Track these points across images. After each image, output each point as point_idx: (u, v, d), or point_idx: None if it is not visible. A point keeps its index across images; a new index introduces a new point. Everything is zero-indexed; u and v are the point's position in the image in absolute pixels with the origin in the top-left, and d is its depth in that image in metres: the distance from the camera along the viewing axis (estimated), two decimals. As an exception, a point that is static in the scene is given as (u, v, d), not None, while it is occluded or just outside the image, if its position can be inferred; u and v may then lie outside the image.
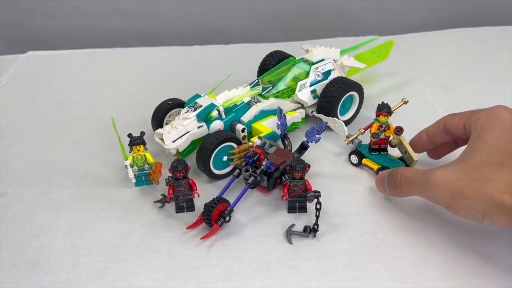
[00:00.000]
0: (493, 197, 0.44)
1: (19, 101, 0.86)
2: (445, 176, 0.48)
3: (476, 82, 0.88)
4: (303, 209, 0.57)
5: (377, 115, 0.62)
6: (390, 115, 0.62)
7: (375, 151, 0.64)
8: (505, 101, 0.79)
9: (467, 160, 0.48)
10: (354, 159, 0.65)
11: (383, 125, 0.62)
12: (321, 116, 0.71)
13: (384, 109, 0.61)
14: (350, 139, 0.65)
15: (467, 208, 0.46)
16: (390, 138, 0.63)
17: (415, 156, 0.59)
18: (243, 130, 0.65)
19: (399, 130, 0.60)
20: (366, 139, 0.65)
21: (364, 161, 0.64)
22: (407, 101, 0.64)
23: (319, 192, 0.54)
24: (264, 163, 0.56)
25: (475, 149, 0.48)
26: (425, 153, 0.63)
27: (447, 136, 0.58)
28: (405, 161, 0.62)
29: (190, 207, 0.58)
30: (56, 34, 1.21)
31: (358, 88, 0.73)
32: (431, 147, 0.61)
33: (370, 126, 0.64)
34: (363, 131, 0.65)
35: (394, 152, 0.64)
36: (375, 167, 0.63)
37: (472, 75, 0.91)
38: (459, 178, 0.46)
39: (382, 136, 0.63)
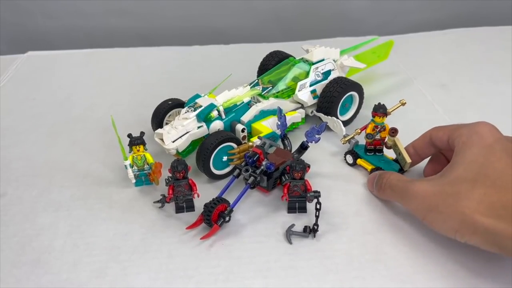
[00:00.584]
0: (464, 215, 0.44)
1: (19, 101, 0.86)
2: (423, 189, 0.49)
3: (476, 82, 0.88)
4: (303, 209, 0.57)
5: (373, 116, 0.62)
6: (386, 116, 0.62)
7: (371, 152, 0.64)
8: (505, 101, 0.80)
9: (446, 175, 0.48)
10: (350, 159, 0.65)
11: (379, 126, 0.62)
12: (321, 115, 0.71)
13: (380, 110, 0.61)
14: (347, 138, 0.65)
15: (441, 223, 0.47)
16: (386, 139, 0.63)
17: (408, 158, 0.59)
18: (243, 130, 0.65)
19: (393, 132, 0.60)
20: (363, 139, 0.65)
21: (359, 161, 0.64)
22: (405, 103, 0.64)
23: (319, 192, 0.54)
24: (264, 163, 0.56)
25: (454, 164, 0.49)
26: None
27: (432, 149, 0.58)
28: (399, 162, 0.62)
29: (190, 207, 0.58)
30: (56, 34, 1.21)
31: (358, 88, 0.73)
32: (418, 160, 0.61)
33: (366, 126, 0.64)
34: (359, 131, 0.65)
35: (391, 153, 0.64)
36: (369, 167, 0.62)
37: (472, 75, 0.91)
38: (436, 192, 0.47)
39: (377, 137, 0.63)
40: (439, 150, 0.58)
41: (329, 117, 0.70)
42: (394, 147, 0.61)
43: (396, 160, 0.63)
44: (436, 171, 0.56)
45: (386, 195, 0.56)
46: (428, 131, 0.58)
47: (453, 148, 0.52)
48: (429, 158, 0.61)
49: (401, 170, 0.61)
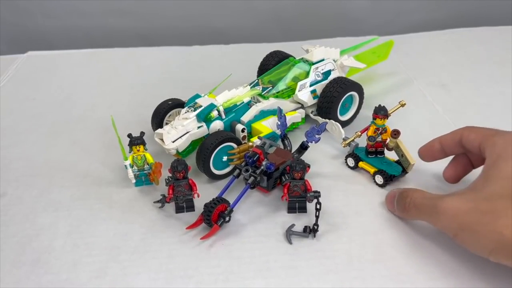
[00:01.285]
0: (502, 234, 0.41)
1: (19, 101, 0.86)
2: (454, 206, 0.45)
3: (476, 82, 0.88)
4: (303, 209, 0.57)
5: (374, 118, 0.62)
6: (387, 118, 0.62)
7: (372, 154, 0.63)
8: (505, 101, 0.80)
9: (479, 190, 0.45)
10: (351, 162, 0.65)
11: (380, 128, 0.62)
12: (317, 118, 0.71)
13: (380, 112, 0.61)
14: (347, 141, 0.65)
15: (474, 243, 0.44)
16: (387, 141, 0.62)
17: (411, 159, 0.59)
18: (243, 130, 0.65)
19: (396, 133, 0.60)
20: (363, 142, 0.65)
21: (361, 164, 0.64)
22: (405, 104, 0.64)
23: (319, 192, 0.54)
24: (264, 163, 0.56)
25: (489, 179, 0.45)
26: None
27: (460, 149, 0.55)
28: (402, 164, 0.62)
29: (190, 207, 0.58)
30: (56, 34, 1.21)
31: (358, 88, 0.73)
32: (442, 156, 0.57)
33: (367, 129, 0.63)
34: (360, 134, 0.64)
35: (391, 155, 0.64)
36: (372, 170, 0.62)
37: (472, 75, 0.91)
38: (469, 210, 0.44)
39: (379, 139, 0.62)
40: (466, 151, 0.55)
41: (327, 120, 0.70)
42: (397, 148, 0.61)
43: (398, 162, 0.62)
44: (458, 174, 0.54)
45: (411, 215, 0.52)
46: (459, 130, 0.54)
47: (483, 155, 0.49)
48: (448, 158, 0.58)
49: (404, 172, 0.61)
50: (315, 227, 0.53)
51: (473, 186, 0.47)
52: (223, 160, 0.62)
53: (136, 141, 0.60)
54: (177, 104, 0.69)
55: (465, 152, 0.55)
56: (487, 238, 0.42)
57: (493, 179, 0.45)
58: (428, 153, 0.59)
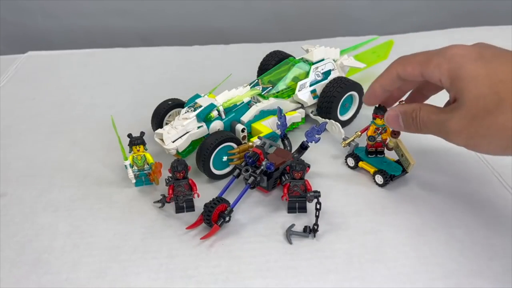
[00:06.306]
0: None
1: (19, 101, 0.86)
2: (459, 126, 0.45)
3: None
4: (303, 209, 0.57)
5: (374, 118, 0.62)
6: None
7: (372, 154, 0.63)
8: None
9: (464, 104, 0.45)
10: (351, 162, 0.65)
11: (380, 128, 0.62)
12: (317, 118, 0.72)
13: (380, 112, 0.61)
14: (347, 141, 0.65)
15: (487, 145, 0.45)
16: (387, 141, 0.62)
17: (411, 159, 0.59)
18: (243, 130, 0.65)
19: (396, 133, 0.60)
20: (363, 142, 0.65)
21: (361, 164, 0.64)
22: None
23: (319, 192, 0.54)
24: (264, 163, 0.56)
25: (462, 91, 0.45)
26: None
27: (400, 82, 0.54)
28: (402, 164, 0.62)
29: (190, 207, 0.58)
30: (56, 34, 1.21)
31: (358, 88, 0.73)
32: (387, 95, 0.57)
33: (366, 128, 0.63)
34: (360, 133, 0.64)
35: (391, 155, 0.64)
36: (372, 170, 0.62)
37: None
38: (469, 124, 0.44)
39: (379, 139, 0.62)
40: (407, 82, 0.54)
41: (327, 120, 0.70)
42: (396, 148, 0.61)
43: (398, 162, 0.62)
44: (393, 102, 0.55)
45: (421, 132, 0.51)
46: (393, 68, 0.53)
47: (429, 79, 0.49)
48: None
49: (404, 172, 0.61)
50: (315, 227, 0.53)
51: (458, 105, 0.46)
52: (223, 160, 0.62)
53: (136, 141, 0.60)
54: (177, 104, 0.69)
55: (405, 83, 0.55)
56: (498, 138, 0.43)
57: (466, 91, 0.45)
58: (372, 97, 0.57)
